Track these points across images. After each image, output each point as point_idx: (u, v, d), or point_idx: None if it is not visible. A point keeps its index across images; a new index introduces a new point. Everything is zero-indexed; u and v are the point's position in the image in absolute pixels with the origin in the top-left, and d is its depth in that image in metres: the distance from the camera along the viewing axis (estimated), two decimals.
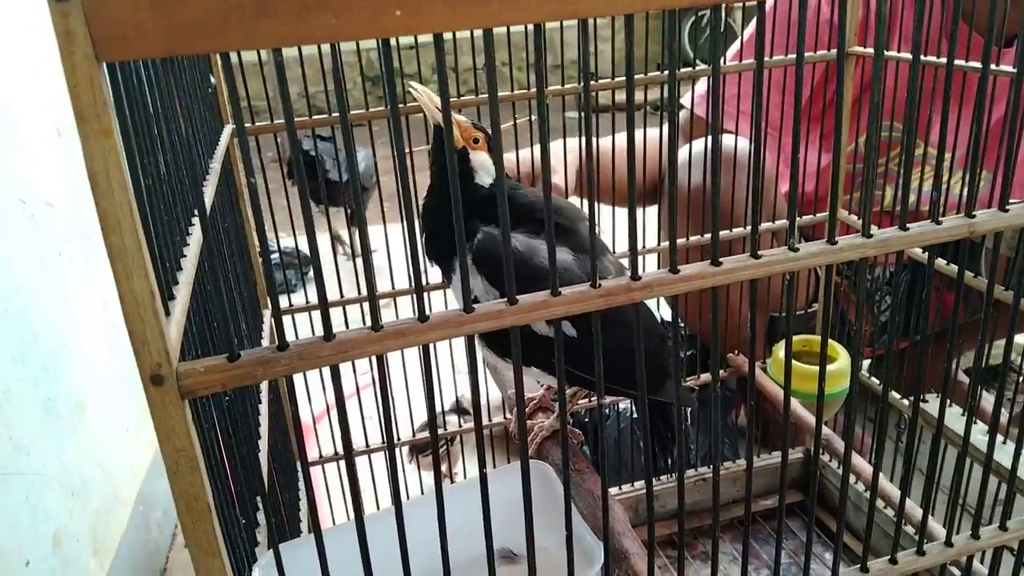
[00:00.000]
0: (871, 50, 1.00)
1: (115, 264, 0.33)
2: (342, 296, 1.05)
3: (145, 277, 0.33)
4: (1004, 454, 0.77)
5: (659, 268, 0.51)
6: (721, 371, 1.10)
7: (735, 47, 1.26)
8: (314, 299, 1.02)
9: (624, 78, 1.05)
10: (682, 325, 1.53)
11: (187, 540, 0.38)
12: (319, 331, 0.37)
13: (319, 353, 0.36)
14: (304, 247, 2.32)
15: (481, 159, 0.78)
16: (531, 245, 0.73)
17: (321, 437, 1.19)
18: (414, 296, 0.38)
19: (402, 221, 0.37)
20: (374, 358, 0.38)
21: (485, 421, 1.34)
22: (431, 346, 0.39)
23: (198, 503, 0.37)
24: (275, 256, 2.19)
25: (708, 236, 1.08)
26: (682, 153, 1.20)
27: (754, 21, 1.32)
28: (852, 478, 1.10)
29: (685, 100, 1.43)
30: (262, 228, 0.35)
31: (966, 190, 1.36)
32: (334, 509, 1.20)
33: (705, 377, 1.19)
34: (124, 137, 0.37)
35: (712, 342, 0.42)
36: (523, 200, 0.78)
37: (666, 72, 1.07)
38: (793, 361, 1.05)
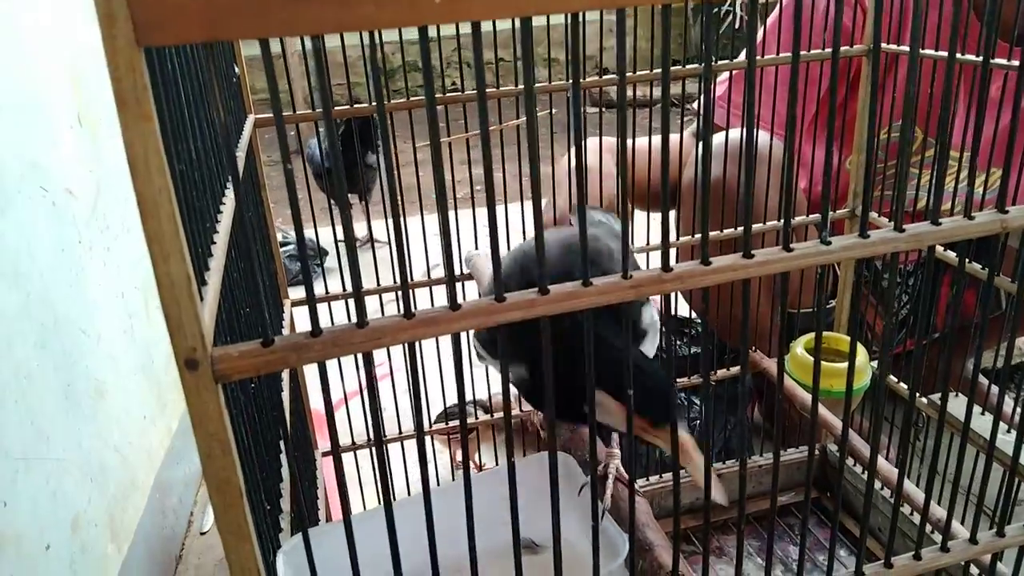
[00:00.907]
0: (899, 48, 0.99)
1: (152, 248, 0.33)
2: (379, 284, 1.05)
3: (182, 261, 0.33)
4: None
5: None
6: (725, 369, 1.10)
7: (771, 23, 1.27)
8: (332, 290, 1.02)
9: (646, 71, 1.05)
10: (697, 319, 1.53)
11: (219, 524, 0.39)
12: (337, 320, 0.37)
13: (352, 340, 0.36)
14: (320, 239, 2.34)
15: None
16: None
17: (339, 427, 1.19)
18: (446, 286, 0.38)
19: (439, 212, 0.37)
20: (405, 346, 0.38)
21: (516, 412, 1.35)
22: (461, 335, 0.39)
23: (230, 487, 0.37)
24: (292, 247, 2.21)
25: (727, 231, 1.08)
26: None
27: (773, 15, 1.32)
28: (859, 468, 1.10)
29: (696, 105, 1.43)
30: (298, 217, 0.35)
31: (987, 190, 1.36)
32: (352, 499, 1.20)
33: (722, 373, 1.19)
34: (160, 122, 0.38)
35: (742, 336, 0.42)
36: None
37: (685, 66, 1.06)
38: (807, 356, 1.05)
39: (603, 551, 0.48)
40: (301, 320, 0.92)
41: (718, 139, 1.11)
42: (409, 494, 1.30)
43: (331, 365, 0.40)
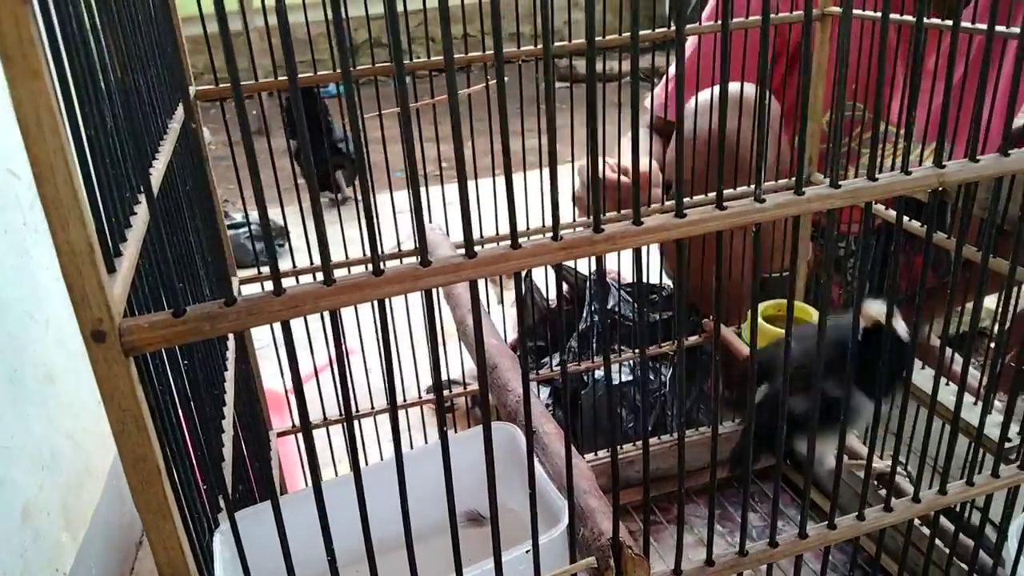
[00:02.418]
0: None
1: (50, 214, 0.31)
2: (312, 264, 1.04)
3: (82, 228, 0.31)
4: (974, 414, 0.77)
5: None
6: (696, 336, 1.10)
7: (711, 5, 1.25)
8: (285, 268, 1.01)
9: (615, 35, 1.03)
10: (665, 285, 1.53)
11: (136, 503, 0.37)
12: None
13: (269, 308, 0.35)
14: (276, 217, 2.30)
15: None
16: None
17: (294, 406, 1.18)
18: (369, 250, 0.37)
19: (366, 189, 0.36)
20: (327, 314, 0.37)
21: (459, 389, 1.34)
22: (387, 302, 0.38)
23: (146, 464, 0.36)
24: (245, 230, 2.17)
25: (701, 196, 1.07)
26: (691, 103, 1.20)
27: None
28: None
29: (647, 102, 1.42)
30: (208, 176, 0.34)
31: (922, 162, 1.37)
32: (307, 476, 1.19)
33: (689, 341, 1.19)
34: (61, 84, 0.36)
35: (715, 304, 0.41)
36: None
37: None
38: (767, 325, 1.05)
39: (544, 518, 0.48)
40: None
41: (704, 96, 1.10)
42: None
43: (300, 341, 0.39)
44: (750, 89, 1.17)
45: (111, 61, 0.45)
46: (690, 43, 1.25)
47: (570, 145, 1.25)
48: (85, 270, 0.32)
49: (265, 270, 1.01)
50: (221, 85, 0.90)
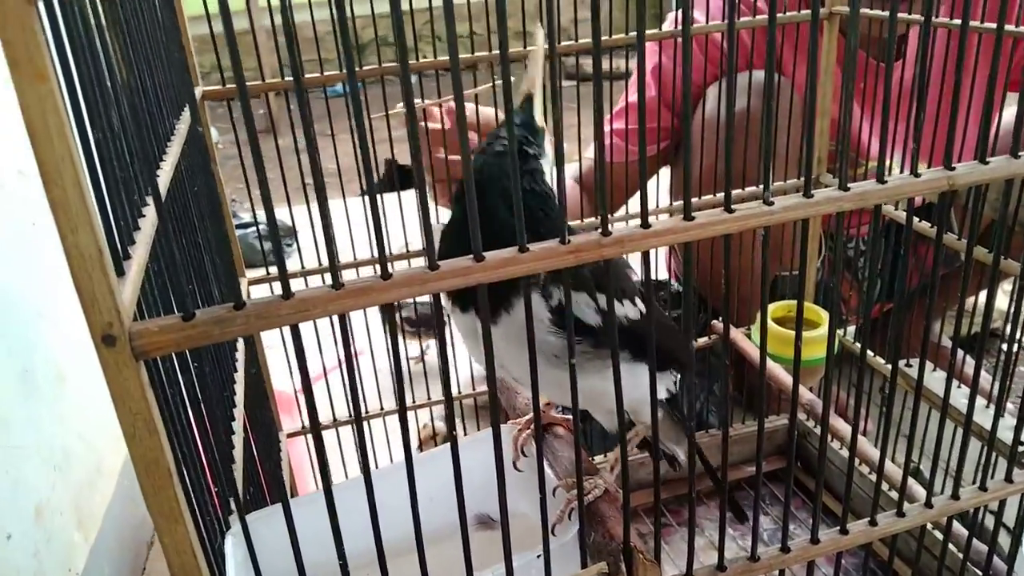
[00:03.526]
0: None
1: (58, 218, 0.31)
2: (320, 264, 1.04)
3: (91, 232, 0.32)
4: (987, 417, 0.76)
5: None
6: (706, 338, 1.09)
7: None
8: (293, 268, 1.01)
9: (622, 35, 1.03)
10: (673, 282, 1.52)
11: (149, 507, 0.37)
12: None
13: (277, 312, 0.35)
14: (284, 217, 2.30)
15: None
16: None
17: (304, 407, 1.18)
18: (377, 253, 0.37)
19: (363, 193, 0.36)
20: (336, 318, 0.37)
21: (468, 391, 1.34)
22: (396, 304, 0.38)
23: (158, 468, 0.36)
24: (253, 229, 2.17)
25: (708, 197, 1.07)
26: (711, 91, 1.20)
27: None
28: (837, 444, 1.10)
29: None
30: (216, 178, 0.34)
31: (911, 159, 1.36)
32: (317, 478, 1.19)
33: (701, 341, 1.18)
34: (68, 87, 0.36)
35: (724, 305, 0.41)
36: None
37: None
38: (777, 326, 1.05)
39: (556, 525, 0.47)
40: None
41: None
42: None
43: (308, 342, 0.38)
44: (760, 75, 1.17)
45: (117, 62, 0.45)
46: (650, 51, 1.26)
47: (577, 143, 1.24)
48: (95, 274, 0.32)
49: (273, 271, 1.02)
50: (228, 86, 0.91)
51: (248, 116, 0.32)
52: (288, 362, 1.05)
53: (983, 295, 1.41)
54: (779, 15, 1.06)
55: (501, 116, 0.99)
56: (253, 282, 0.97)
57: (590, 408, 0.61)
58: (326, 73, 0.92)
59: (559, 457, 0.57)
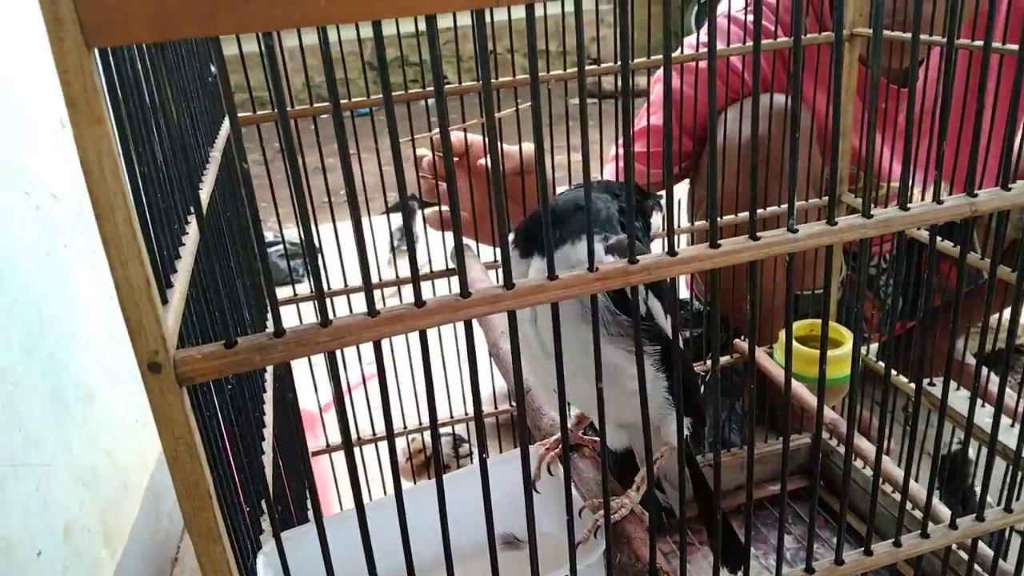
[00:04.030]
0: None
1: (109, 252, 0.33)
2: (346, 285, 1.05)
3: (140, 264, 0.33)
4: (1012, 436, 0.76)
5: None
6: (728, 356, 1.10)
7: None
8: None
9: (643, 59, 1.04)
10: (695, 301, 1.53)
11: (188, 528, 0.38)
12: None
13: (316, 339, 0.36)
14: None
15: None
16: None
17: (329, 426, 1.19)
18: (412, 283, 0.38)
19: (379, 211, 0.37)
20: (372, 344, 0.38)
21: (490, 409, 1.35)
22: (428, 332, 0.39)
23: (198, 490, 0.37)
24: (279, 247, 2.20)
25: (728, 218, 1.08)
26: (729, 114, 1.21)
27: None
28: (860, 463, 1.10)
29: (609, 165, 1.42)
30: (256, 215, 0.35)
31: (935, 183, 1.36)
32: (343, 498, 1.20)
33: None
34: (118, 124, 0.37)
35: (750, 329, 0.42)
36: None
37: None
38: (799, 345, 1.05)
39: (582, 544, 0.48)
40: (289, 319, 0.91)
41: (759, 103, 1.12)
42: (385, 493, 1.29)
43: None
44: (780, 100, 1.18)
45: (161, 98, 0.46)
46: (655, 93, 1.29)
47: (599, 161, 1.26)
48: (142, 304, 0.33)
49: (300, 290, 1.03)
50: (259, 112, 0.93)
51: (291, 151, 0.34)
52: (313, 377, 1.07)
53: (1007, 312, 1.41)
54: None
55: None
56: (280, 303, 0.99)
57: (614, 409, 0.64)
58: (354, 99, 0.94)
59: (584, 478, 0.58)
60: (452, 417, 1.23)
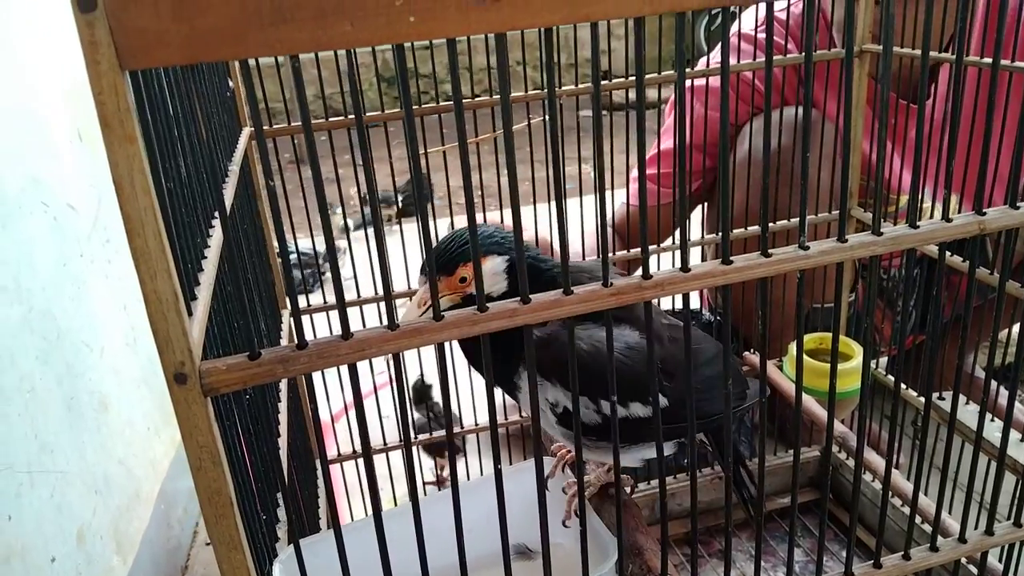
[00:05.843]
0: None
1: (139, 266, 0.34)
2: (359, 296, 1.06)
3: (168, 278, 0.34)
4: (1020, 451, 0.76)
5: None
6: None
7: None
8: (331, 298, 1.03)
9: (654, 74, 1.06)
10: (705, 312, 1.53)
11: (210, 535, 0.39)
12: (336, 330, 0.38)
13: (337, 352, 0.37)
14: (321, 247, 2.36)
15: (487, 278, 0.66)
16: (596, 347, 0.64)
17: (340, 435, 1.20)
18: (431, 297, 0.39)
19: (417, 221, 0.38)
20: (391, 356, 0.39)
21: (501, 420, 1.35)
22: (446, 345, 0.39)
23: (221, 498, 0.38)
24: (292, 257, 2.22)
25: (740, 231, 1.09)
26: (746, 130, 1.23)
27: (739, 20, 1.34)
28: (869, 476, 1.10)
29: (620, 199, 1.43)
30: (281, 231, 0.36)
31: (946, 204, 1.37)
32: (352, 506, 1.21)
33: None
34: (146, 142, 0.38)
35: (762, 344, 0.43)
36: (557, 275, 0.64)
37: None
38: (809, 359, 1.05)
39: (593, 555, 0.49)
40: (308, 331, 0.93)
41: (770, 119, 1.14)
42: (396, 504, 1.30)
43: (342, 370, 0.41)
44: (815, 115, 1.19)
45: (186, 114, 0.47)
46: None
47: (610, 173, 1.27)
48: (170, 316, 0.34)
49: (313, 300, 1.05)
50: (275, 126, 0.94)
51: (316, 169, 0.35)
52: (325, 385, 1.08)
53: (1016, 327, 1.41)
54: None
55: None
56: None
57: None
58: (387, 111, 0.95)
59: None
60: (463, 427, 1.24)
